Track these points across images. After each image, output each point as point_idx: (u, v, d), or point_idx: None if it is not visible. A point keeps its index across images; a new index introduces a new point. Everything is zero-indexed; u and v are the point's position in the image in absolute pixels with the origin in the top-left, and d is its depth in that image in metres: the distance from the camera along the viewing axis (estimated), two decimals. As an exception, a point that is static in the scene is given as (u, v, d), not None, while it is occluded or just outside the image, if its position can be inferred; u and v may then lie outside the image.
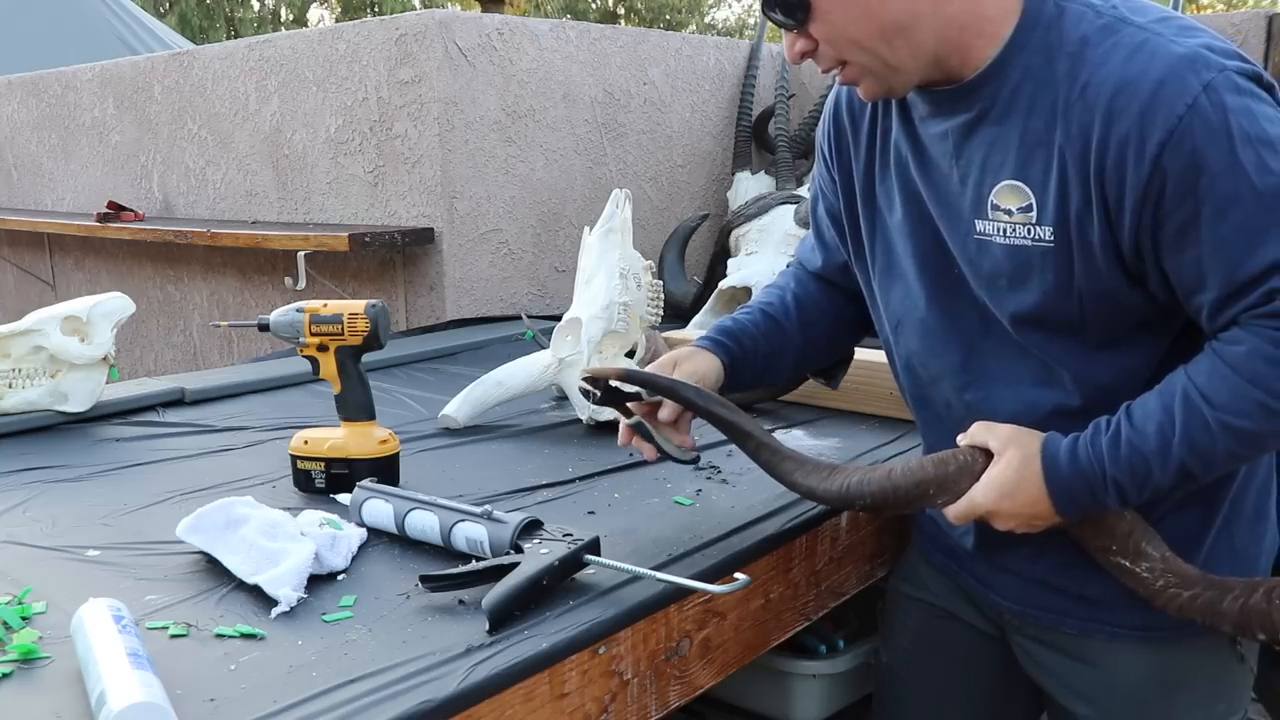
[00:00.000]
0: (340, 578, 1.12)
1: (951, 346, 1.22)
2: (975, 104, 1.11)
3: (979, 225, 1.13)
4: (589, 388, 1.26)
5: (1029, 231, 1.09)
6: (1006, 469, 1.09)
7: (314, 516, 1.19)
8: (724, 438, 1.63)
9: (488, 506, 1.15)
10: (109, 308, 1.77)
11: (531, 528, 1.12)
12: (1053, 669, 1.28)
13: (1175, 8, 2.67)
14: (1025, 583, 1.26)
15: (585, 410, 1.70)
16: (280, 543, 1.11)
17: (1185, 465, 1.04)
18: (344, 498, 1.30)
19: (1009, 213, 1.10)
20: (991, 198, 1.11)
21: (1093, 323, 1.11)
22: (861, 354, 1.73)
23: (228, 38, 15.05)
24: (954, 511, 1.13)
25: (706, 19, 21.87)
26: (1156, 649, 1.21)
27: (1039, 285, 1.10)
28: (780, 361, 1.42)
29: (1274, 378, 1.00)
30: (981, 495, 1.11)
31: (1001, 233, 1.11)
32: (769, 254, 2.51)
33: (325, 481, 1.39)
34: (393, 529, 1.21)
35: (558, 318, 1.85)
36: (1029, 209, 1.08)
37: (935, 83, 1.13)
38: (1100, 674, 1.25)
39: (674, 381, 1.26)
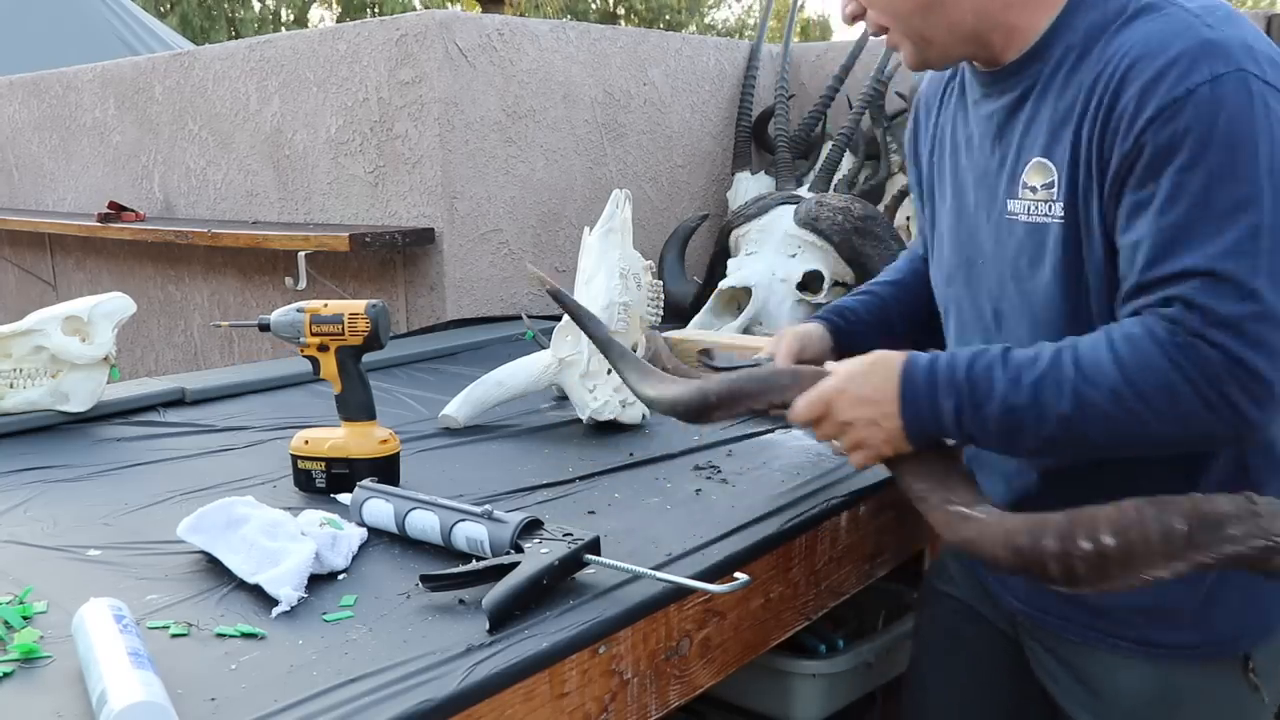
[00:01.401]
0: (341, 577, 1.12)
1: (976, 341, 1.23)
2: (1019, 84, 1.12)
3: (1009, 205, 1.14)
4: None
5: (1049, 208, 1.10)
6: (862, 360, 1.12)
7: (314, 516, 1.20)
8: (724, 437, 1.64)
9: (488, 506, 1.15)
10: (110, 308, 1.77)
11: (531, 527, 1.12)
12: (1058, 676, 1.27)
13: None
14: (1035, 585, 1.24)
15: (585, 410, 1.71)
16: (281, 542, 1.11)
17: (1015, 410, 1.03)
18: (344, 497, 1.30)
19: (1034, 190, 1.11)
20: (1023, 176, 1.12)
21: (1099, 311, 1.09)
22: (861, 354, 1.73)
23: (228, 38, 15.05)
24: (803, 399, 1.14)
25: (706, 19, 21.87)
26: (1157, 666, 1.18)
27: (1050, 264, 1.10)
28: (891, 330, 1.47)
29: (1140, 374, 0.98)
30: (832, 379, 1.12)
31: (1026, 210, 1.12)
32: (769, 254, 2.51)
33: (326, 481, 1.39)
34: (393, 529, 1.21)
35: (558, 318, 1.85)
36: (1051, 185, 1.09)
37: (985, 62, 1.15)
38: (1101, 686, 1.23)
39: (558, 290, 1.46)
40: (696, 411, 1.25)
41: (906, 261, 1.54)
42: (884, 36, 1.17)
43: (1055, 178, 1.08)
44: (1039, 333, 1.12)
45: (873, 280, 1.55)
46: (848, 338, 1.42)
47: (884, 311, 1.48)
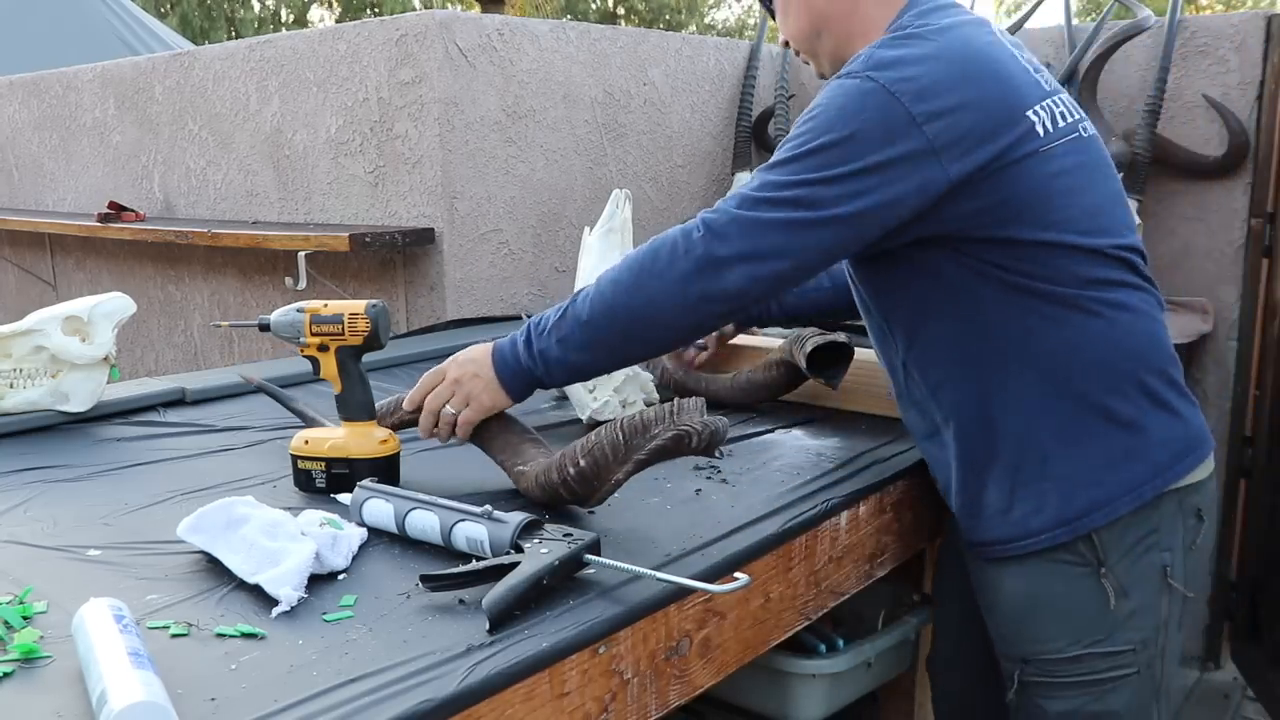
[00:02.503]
0: (341, 577, 1.12)
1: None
2: None
3: None
4: None
5: None
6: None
7: (314, 516, 1.19)
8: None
9: (488, 506, 1.15)
10: (110, 308, 1.77)
11: (532, 527, 1.12)
12: (973, 584, 1.47)
13: (1175, 10, 2.67)
14: (960, 505, 1.44)
15: (585, 410, 1.71)
16: (281, 542, 1.11)
17: (564, 313, 1.29)
18: (344, 497, 1.30)
19: None
20: None
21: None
22: (861, 354, 1.73)
23: (228, 38, 15.06)
24: (424, 376, 1.41)
25: (706, 19, 21.87)
26: (1021, 567, 1.36)
27: None
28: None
29: (663, 256, 1.25)
30: (451, 359, 1.39)
31: None
32: (769, 254, 2.51)
33: (326, 481, 1.39)
34: (393, 529, 1.21)
35: (558, 318, 1.85)
36: None
37: None
38: (984, 593, 1.43)
39: (262, 384, 1.66)
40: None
41: None
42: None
43: None
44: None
45: None
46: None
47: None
